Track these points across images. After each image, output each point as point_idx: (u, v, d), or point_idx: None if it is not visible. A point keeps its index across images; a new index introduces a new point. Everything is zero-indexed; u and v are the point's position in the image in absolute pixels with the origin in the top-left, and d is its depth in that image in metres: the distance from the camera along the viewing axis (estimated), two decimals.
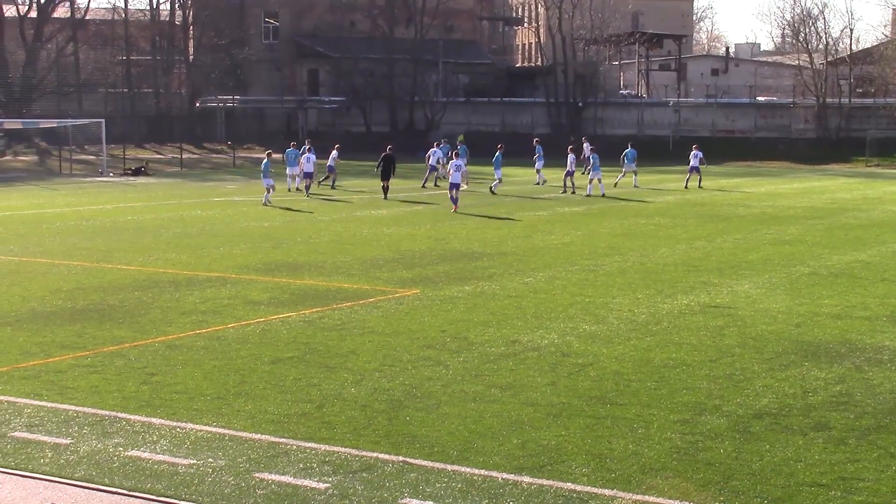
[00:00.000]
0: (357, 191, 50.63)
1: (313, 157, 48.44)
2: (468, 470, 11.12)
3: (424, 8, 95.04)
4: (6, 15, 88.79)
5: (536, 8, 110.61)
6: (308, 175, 47.49)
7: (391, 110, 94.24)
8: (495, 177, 48.81)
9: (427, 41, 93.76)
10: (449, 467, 11.19)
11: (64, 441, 11.94)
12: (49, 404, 13.38)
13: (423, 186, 52.58)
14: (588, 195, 46.84)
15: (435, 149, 54.87)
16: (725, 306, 20.29)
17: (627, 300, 20.93)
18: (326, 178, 51.05)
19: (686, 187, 53.31)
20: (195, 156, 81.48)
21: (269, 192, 42.08)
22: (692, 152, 54.52)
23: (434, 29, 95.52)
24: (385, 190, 45.30)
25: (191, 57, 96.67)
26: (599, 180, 47.70)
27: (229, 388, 14.25)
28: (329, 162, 51.22)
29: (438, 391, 14.10)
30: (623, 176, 54.96)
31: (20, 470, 11.05)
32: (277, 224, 35.11)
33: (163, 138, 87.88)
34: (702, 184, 53.87)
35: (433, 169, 53.83)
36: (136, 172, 64.64)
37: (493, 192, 47.72)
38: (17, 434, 12.18)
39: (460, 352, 16.41)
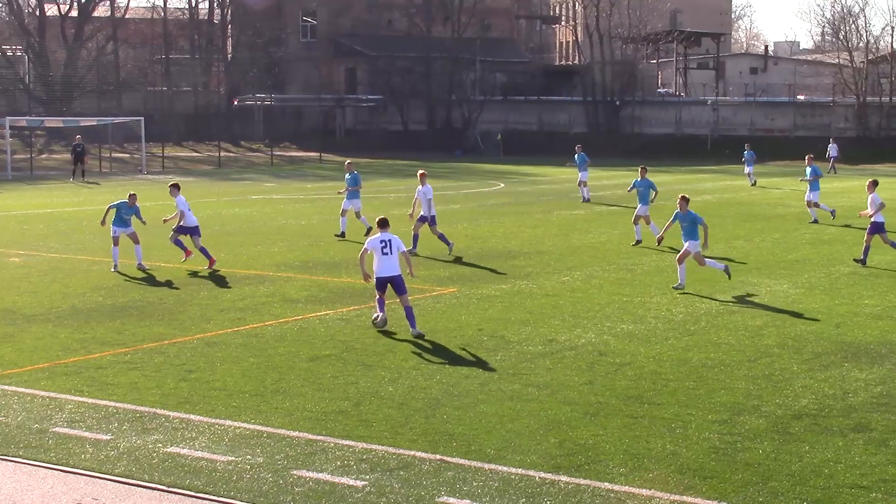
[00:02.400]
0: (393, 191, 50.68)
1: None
2: (505, 469, 11.11)
3: (462, 6, 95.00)
4: (48, 14, 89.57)
5: (574, 6, 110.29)
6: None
7: (428, 109, 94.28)
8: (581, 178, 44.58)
9: (464, 40, 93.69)
10: (486, 466, 11.19)
11: (104, 437, 12.03)
12: (89, 400, 13.49)
13: None
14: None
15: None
16: (764, 306, 20.16)
17: (665, 299, 20.84)
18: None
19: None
20: (232, 154, 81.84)
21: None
22: (830, 145, 65.41)
23: (471, 27, 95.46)
24: None
25: (229, 55, 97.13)
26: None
27: (267, 385, 14.31)
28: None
29: (475, 389, 14.10)
30: (752, 177, 53.78)
31: (61, 465, 11.15)
32: (314, 222, 35.21)
33: (201, 136, 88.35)
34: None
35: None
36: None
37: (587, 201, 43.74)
38: (58, 429, 12.29)
39: (497, 350, 16.40)
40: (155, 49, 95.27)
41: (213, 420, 12.69)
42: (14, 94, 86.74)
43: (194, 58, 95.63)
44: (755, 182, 53.15)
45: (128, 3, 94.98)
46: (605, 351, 16.41)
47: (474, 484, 10.69)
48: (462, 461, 11.32)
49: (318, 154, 78.56)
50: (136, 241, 24.70)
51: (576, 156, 45.61)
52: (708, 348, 16.60)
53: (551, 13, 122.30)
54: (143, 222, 25.68)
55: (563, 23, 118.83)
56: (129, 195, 25.08)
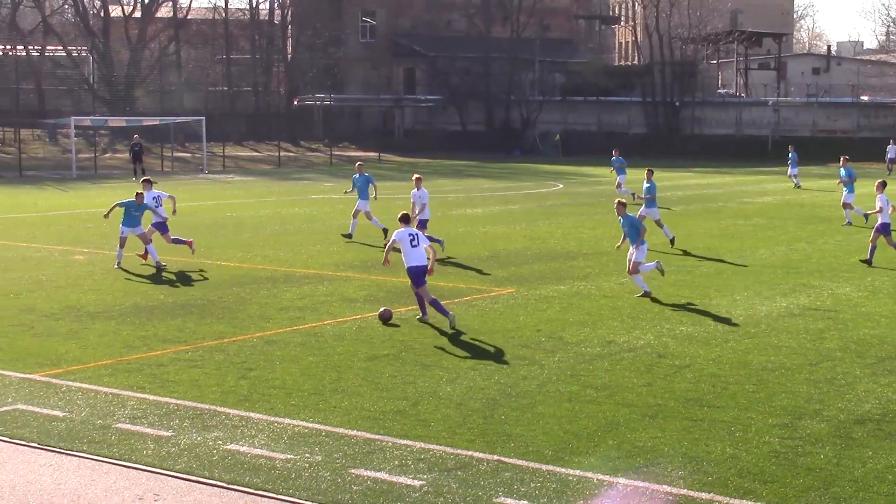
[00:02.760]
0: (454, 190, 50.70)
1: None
2: (563, 470, 11.09)
3: (521, 6, 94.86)
4: (112, 15, 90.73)
5: (633, 6, 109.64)
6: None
7: (487, 109, 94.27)
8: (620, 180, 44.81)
9: (523, 40, 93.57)
10: (544, 467, 11.17)
11: (166, 433, 12.17)
12: (151, 397, 13.65)
13: None
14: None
15: None
16: (826, 309, 19.94)
17: (725, 301, 20.68)
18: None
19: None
20: (292, 154, 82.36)
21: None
22: (890, 146, 65.29)
23: (530, 27, 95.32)
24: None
25: (289, 56, 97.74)
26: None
27: (326, 384, 14.39)
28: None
29: (534, 390, 14.09)
30: (796, 179, 53.23)
31: (124, 460, 11.29)
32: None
33: (261, 136, 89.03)
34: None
35: None
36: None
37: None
38: (121, 425, 12.44)
39: (555, 351, 16.37)
40: (216, 49, 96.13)
41: (273, 418, 12.78)
42: (79, 95, 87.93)
43: (255, 58, 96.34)
44: (799, 184, 52.75)
45: (189, 4, 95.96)
46: (664, 353, 16.32)
47: (532, 485, 10.68)
48: (520, 462, 11.32)
49: (377, 154, 78.83)
50: (147, 241, 24.63)
51: (613, 159, 45.70)
52: (768, 351, 16.45)
53: (611, 13, 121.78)
54: (166, 216, 25.64)
55: (622, 23, 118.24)
56: (137, 194, 24.74)
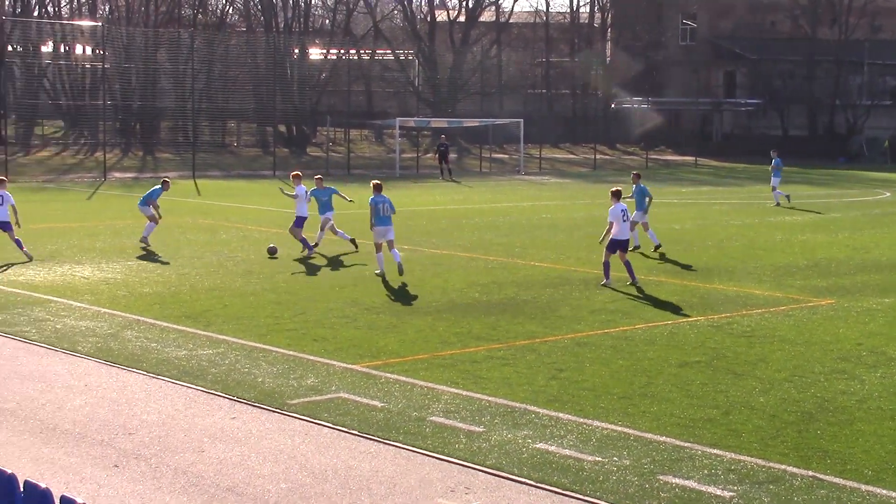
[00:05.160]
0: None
1: None
2: (884, 492, 10.60)
3: (850, 7, 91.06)
4: (437, 20, 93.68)
5: None
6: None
7: (810, 113, 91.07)
8: None
9: (851, 42, 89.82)
10: (863, 487, 10.72)
11: (477, 429, 12.46)
12: (464, 392, 14.01)
13: None
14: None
15: None
16: None
17: None
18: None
19: None
20: (607, 157, 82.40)
21: None
22: None
23: (860, 29, 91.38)
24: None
25: (607, 58, 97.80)
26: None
27: (635, 388, 14.34)
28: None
29: (853, 406, 13.53)
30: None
31: (437, 452, 11.65)
32: (688, 227, 34.89)
33: (577, 139, 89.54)
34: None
35: None
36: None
37: None
38: (435, 418, 12.85)
39: (877, 367, 15.66)
40: (536, 52, 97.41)
41: (581, 419, 12.86)
42: (404, 97, 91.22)
43: (574, 61, 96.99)
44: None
45: (512, 8, 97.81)
46: None
47: None
48: (836, 480, 10.91)
49: (694, 159, 77.69)
50: (153, 221, 27.61)
51: (773, 160, 43.64)
52: None
53: None
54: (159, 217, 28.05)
55: None
56: (163, 181, 29.25)
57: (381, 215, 23.38)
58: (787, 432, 12.43)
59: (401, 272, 23.07)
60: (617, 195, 22.73)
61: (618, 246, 22.52)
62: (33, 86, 68.21)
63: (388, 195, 24.16)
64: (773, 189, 43.55)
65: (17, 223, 25.00)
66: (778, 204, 42.62)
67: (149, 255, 26.03)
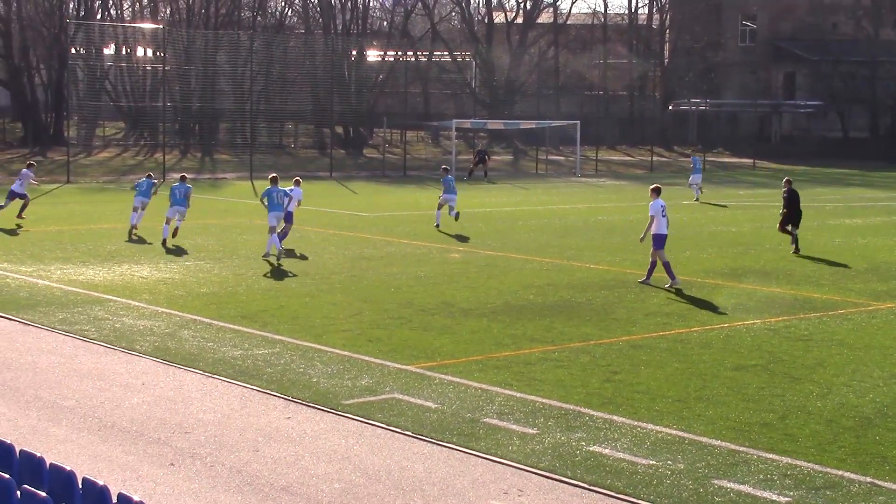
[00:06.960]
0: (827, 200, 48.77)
1: None
2: None
3: None
4: (495, 21, 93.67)
5: None
6: None
7: (871, 115, 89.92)
8: None
9: None
10: None
11: (531, 431, 12.45)
12: (518, 394, 14.00)
13: None
14: None
15: None
16: None
17: None
18: None
19: None
20: (664, 159, 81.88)
21: None
22: None
23: None
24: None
25: (666, 60, 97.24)
26: None
27: (690, 391, 14.26)
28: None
29: None
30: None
31: (490, 454, 11.66)
32: (746, 230, 34.60)
33: (634, 140, 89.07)
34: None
35: None
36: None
37: None
38: (488, 420, 12.85)
39: None
40: (593, 53, 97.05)
41: (636, 423, 12.81)
42: (461, 98, 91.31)
43: (631, 62, 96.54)
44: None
45: (569, 10, 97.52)
46: None
47: None
48: (895, 487, 10.78)
49: (752, 161, 77.01)
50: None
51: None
52: None
53: None
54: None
55: None
56: (182, 176, 29.94)
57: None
58: (844, 437, 12.30)
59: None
60: (657, 191, 23.39)
61: (657, 242, 22.65)
62: (95, 87, 68.95)
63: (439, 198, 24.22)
64: (693, 185, 46.26)
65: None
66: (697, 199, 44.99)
67: (205, 256, 26.27)
